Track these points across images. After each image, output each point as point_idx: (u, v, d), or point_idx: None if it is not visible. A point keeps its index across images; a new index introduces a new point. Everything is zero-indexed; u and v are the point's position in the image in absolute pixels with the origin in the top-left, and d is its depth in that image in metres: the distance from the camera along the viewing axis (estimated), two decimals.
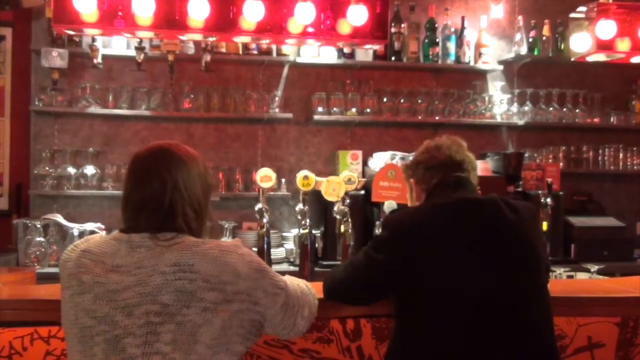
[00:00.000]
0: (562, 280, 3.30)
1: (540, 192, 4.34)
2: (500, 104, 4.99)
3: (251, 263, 1.62)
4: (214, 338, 1.53)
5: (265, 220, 3.23)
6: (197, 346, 1.51)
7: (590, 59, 4.45)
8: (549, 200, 4.23)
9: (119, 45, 4.48)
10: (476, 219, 1.87)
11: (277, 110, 4.71)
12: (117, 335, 1.52)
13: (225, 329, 1.55)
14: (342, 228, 3.26)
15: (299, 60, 4.74)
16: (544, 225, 4.13)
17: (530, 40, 4.98)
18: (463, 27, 4.93)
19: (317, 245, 3.43)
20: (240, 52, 4.62)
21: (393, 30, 4.75)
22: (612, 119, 5.16)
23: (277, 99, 4.73)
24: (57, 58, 4.20)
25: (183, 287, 1.52)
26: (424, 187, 2.08)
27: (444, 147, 2.10)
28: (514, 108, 5.01)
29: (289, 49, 4.69)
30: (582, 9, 4.38)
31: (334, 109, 4.75)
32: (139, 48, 3.96)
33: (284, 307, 1.67)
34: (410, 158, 2.24)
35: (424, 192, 2.08)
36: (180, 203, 1.63)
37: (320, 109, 4.75)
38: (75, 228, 4.02)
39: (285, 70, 4.87)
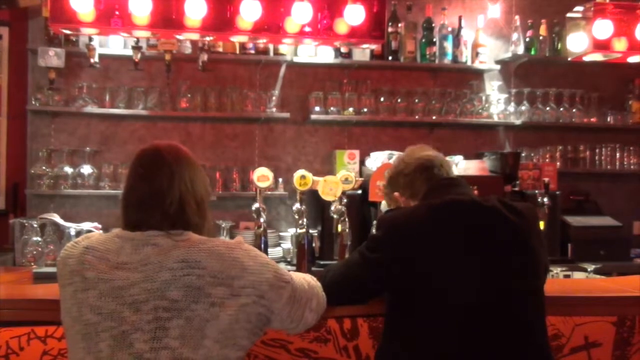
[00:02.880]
0: (558, 280, 3.29)
1: (537, 191, 4.34)
2: (497, 104, 4.99)
3: (256, 257, 1.64)
4: (221, 332, 1.54)
5: (262, 220, 3.23)
6: (204, 341, 1.53)
7: (587, 58, 4.47)
8: (545, 199, 4.24)
9: (116, 44, 4.47)
10: (474, 219, 1.86)
11: (274, 109, 4.71)
12: (124, 331, 1.53)
13: (232, 323, 1.56)
14: (339, 227, 3.26)
15: (296, 59, 4.73)
16: (541, 225, 4.13)
17: (527, 40, 4.98)
18: (460, 27, 4.93)
19: (314, 244, 3.42)
20: (238, 51, 4.62)
21: (390, 29, 4.74)
22: (609, 119, 5.17)
23: (274, 98, 4.73)
24: (54, 57, 4.19)
25: (191, 283, 1.54)
26: (411, 193, 2.09)
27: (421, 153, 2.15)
28: (511, 108, 5.01)
29: (286, 48, 4.68)
30: (579, 8, 4.40)
31: (331, 108, 4.76)
32: (136, 47, 3.95)
33: (290, 300, 1.68)
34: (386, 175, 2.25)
35: (411, 199, 2.09)
36: (187, 199, 1.66)
37: (317, 108, 4.75)
38: (72, 228, 4.01)
39: (283, 69, 4.87)
